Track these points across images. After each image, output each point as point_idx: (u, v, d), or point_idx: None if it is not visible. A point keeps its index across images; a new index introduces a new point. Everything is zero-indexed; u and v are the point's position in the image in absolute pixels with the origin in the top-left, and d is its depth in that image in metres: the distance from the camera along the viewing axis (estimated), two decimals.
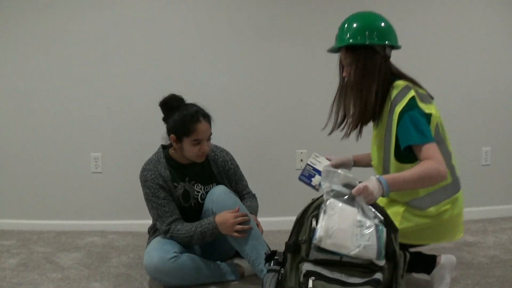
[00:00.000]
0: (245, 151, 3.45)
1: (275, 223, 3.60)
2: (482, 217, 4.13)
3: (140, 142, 3.88)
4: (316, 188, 2.66)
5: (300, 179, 2.71)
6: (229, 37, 3.89)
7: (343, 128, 2.57)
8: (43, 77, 3.87)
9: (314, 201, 2.22)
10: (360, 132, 2.53)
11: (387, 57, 2.47)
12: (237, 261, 2.91)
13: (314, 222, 2.12)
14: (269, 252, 2.42)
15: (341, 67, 2.58)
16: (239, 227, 2.62)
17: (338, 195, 2.14)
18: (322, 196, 2.18)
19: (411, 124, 2.31)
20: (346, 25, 2.47)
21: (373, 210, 2.12)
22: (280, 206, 3.54)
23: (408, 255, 2.17)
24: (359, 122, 2.48)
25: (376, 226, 2.05)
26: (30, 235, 3.77)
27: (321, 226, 2.04)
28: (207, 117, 2.79)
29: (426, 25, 4.01)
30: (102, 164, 3.94)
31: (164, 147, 2.93)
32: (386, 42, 2.43)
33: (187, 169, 2.88)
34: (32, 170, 3.95)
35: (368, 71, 2.41)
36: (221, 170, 2.97)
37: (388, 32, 2.46)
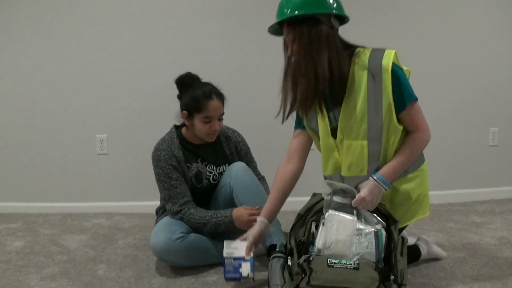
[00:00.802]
0: (251, 131, 3.41)
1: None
2: (489, 198, 4.10)
3: (146, 123, 3.88)
4: (250, 278, 2.34)
5: (227, 278, 2.35)
6: (236, 15, 3.85)
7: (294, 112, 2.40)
8: (48, 58, 3.86)
9: (316, 203, 2.30)
10: (321, 111, 2.31)
11: (335, 28, 2.22)
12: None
13: (313, 227, 2.22)
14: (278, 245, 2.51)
15: (286, 47, 2.34)
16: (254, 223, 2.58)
17: (338, 205, 2.20)
18: (323, 199, 2.24)
19: (405, 81, 2.20)
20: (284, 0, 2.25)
21: (375, 215, 2.17)
22: None
23: (406, 238, 2.20)
24: (316, 99, 2.26)
25: (375, 232, 2.11)
26: (36, 218, 3.77)
27: (319, 239, 2.13)
28: (220, 96, 2.77)
29: (436, 7, 3.96)
30: (108, 145, 3.93)
31: (176, 127, 2.91)
32: (334, 11, 2.20)
33: (200, 150, 2.86)
34: (38, 153, 3.95)
35: (314, 42, 2.16)
36: (233, 151, 2.96)
37: (333, 1, 2.22)
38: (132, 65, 3.86)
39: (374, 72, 2.16)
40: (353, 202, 2.18)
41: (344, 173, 2.31)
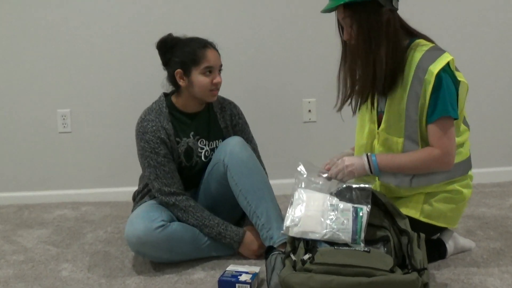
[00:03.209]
0: (248, 102, 3.39)
1: (279, 186, 3.38)
2: None
3: (115, 96, 3.82)
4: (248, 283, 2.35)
5: (221, 281, 2.38)
6: None
7: (351, 102, 2.56)
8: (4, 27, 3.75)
9: None
10: (372, 104, 2.48)
11: (395, 10, 2.34)
12: None
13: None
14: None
15: (340, 28, 2.46)
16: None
17: (311, 184, 2.41)
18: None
19: (448, 93, 2.28)
20: None
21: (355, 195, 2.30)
22: (286, 167, 3.46)
23: (422, 234, 2.27)
24: (369, 93, 2.43)
25: (354, 208, 2.23)
26: None
27: (287, 217, 2.28)
28: (215, 47, 2.82)
29: None
30: (72, 122, 3.83)
31: (166, 95, 2.91)
32: None
33: (192, 121, 2.87)
34: None
35: (373, 30, 2.29)
36: (228, 124, 2.96)
37: None
38: (99, 26, 3.75)
39: (421, 73, 2.27)
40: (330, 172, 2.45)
41: None
